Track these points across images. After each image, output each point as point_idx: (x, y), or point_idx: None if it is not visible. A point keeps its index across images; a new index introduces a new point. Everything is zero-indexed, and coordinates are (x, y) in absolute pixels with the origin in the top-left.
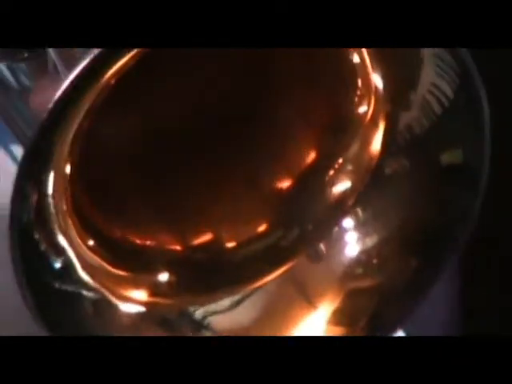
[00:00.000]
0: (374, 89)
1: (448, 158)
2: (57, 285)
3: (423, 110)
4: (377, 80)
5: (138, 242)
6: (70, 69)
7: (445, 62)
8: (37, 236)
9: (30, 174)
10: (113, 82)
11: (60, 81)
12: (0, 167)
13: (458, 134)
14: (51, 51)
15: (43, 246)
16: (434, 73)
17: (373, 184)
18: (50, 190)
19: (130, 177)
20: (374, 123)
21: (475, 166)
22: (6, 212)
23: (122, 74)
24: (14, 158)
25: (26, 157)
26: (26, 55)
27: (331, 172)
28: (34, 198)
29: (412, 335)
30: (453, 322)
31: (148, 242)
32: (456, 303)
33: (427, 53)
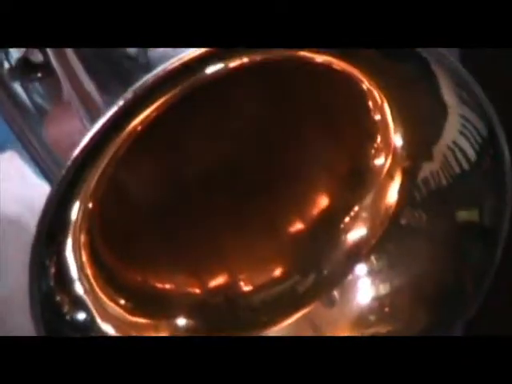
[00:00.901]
0: (392, 146)
1: (465, 215)
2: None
3: (442, 166)
4: (397, 139)
5: (158, 287)
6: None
7: (471, 123)
8: (58, 299)
9: (47, 239)
10: (139, 130)
11: (73, 112)
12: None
13: (476, 195)
14: (63, 82)
15: (65, 308)
16: (457, 132)
17: (388, 234)
18: (69, 244)
19: (149, 223)
20: (390, 176)
21: (492, 227)
22: (18, 218)
23: (148, 123)
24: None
25: (42, 220)
26: (39, 75)
27: (347, 219)
28: (52, 264)
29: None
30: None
31: (167, 287)
32: None
33: (452, 111)
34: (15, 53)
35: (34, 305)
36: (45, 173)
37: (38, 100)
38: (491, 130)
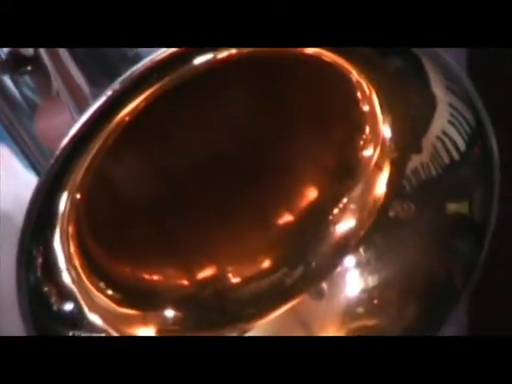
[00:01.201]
0: (381, 137)
1: (454, 207)
2: (66, 331)
3: (431, 157)
4: (385, 130)
5: (146, 278)
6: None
7: (459, 112)
8: (45, 289)
9: (35, 230)
10: (127, 120)
11: (62, 105)
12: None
13: (466, 186)
14: (53, 76)
15: (52, 299)
16: (446, 121)
17: (377, 225)
18: (57, 235)
19: (137, 214)
20: (379, 167)
21: (481, 219)
22: (8, 214)
23: (136, 114)
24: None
25: (30, 212)
26: (28, 68)
27: (335, 211)
28: (40, 255)
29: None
30: (457, 321)
31: (155, 278)
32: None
33: (441, 102)
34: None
35: (21, 296)
36: (34, 167)
37: (28, 93)
38: (479, 121)
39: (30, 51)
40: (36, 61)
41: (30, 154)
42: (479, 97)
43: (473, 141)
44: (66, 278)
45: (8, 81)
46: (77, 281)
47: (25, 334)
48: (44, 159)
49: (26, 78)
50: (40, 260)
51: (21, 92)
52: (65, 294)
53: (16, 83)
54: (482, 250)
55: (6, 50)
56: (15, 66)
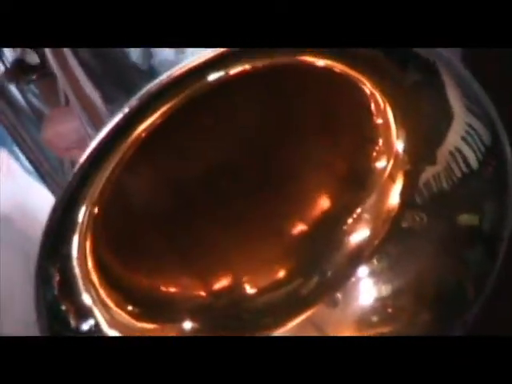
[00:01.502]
0: (394, 149)
1: (465, 219)
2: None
3: (445, 170)
4: (398, 143)
5: (164, 291)
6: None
7: (475, 131)
8: (63, 308)
9: (52, 249)
10: (143, 136)
11: (71, 114)
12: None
13: (478, 200)
14: (60, 83)
15: (71, 317)
16: (460, 137)
17: (390, 236)
18: (74, 253)
19: (153, 227)
20: (392, 179)
21: (493, 233)
22: (8, 217)
23: (151, 131)
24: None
25: (48, 229)
26: (33, 76)
27: (349, 221)
28: (57, 272)
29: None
30: None
31: (173, 291)
32: None
33: (458, 117)
34: (10, 53)
35: (40, 316)
36: (38, 172)
37: (34, 100)
38: (496, 140)
39: (34, 59)
40: (41, 69)
41: (34, 160)
42: (497, 113)
43: (487, 157)
44: (85, 295)
45: (14, 88)
46: (95, 297)
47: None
48: (49, 165)
49: (32, 86)
50: (57, 278)
51: (26, 99)
52: (83, 312)
53: (22, 91)
54: (495, 262)
55: (11, 58)
56: (21, 74)
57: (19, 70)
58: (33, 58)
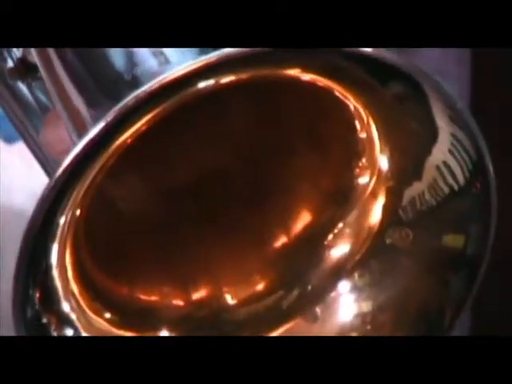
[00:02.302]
0: (378, 165)
1: (450, 240)
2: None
3: (430, 187)
4: (382, 159)
5: (144, 299)
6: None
7: (460, 143)
8: (44, 321)
9: (32, 262)
10: (128, 142)
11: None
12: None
13: (463, 219)
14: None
15: (52, 327)
16: (446, 151)
17: (372, 251)
18: (54, 263)
19: (136, 235)
20: (374, 195)
21: (475, 255)
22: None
23: (137, 138)
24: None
25: (27, 237)
26: (39, 74)
27: (331, 236)
28: (37, 286)
29: None
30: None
31: (152, 299)
32: None
33: (443, 131)
34: (17, 52)
35: (18, 328)
36: (45, 168)
37: (41, 96)
38: (480, 155)
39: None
40: None
41: (41, 156)
42: (478, 128)
43: (473, 174)
44: (65, 306)
45: (21, 84)
46: (75, 307)
47: None
48: (55, 162)
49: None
50: (37, 294)
51: (33, 95)
52: (64, 322)
53: (29, 86)
54: (471, 290)
55: (15, 56)
56: (25, 72)
57: (23, 69)
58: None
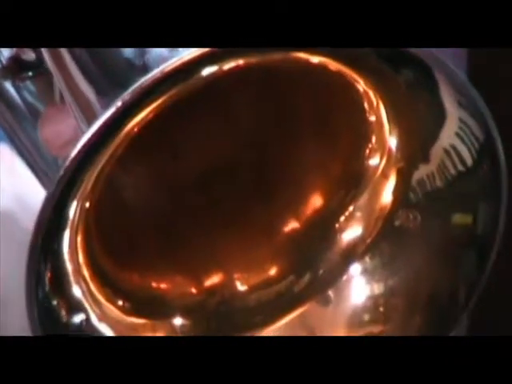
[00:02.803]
0: (387, 147)
1: (459, 219)
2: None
3: (438, 168)
4: (392, 140)
5: (155, 287)
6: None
7: (468, 126)
8: (54, 303)
9: (43, 246)
10: (135, 131)
11: (67, 112)
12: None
13: (472, 200)
14: (55, 80)
15: (62, 311)
16: (454, 134)
17: (383, 234)
18: (65, 248)
19: (145, 223)
20: (384, 176)
21: (486, 236)
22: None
23: (145, 125)
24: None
25: (38, 224)
26: (29, 74)
27: (342, 219)
28: (49, 269)
29: None
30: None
31: (164, 286)
32: None
33: (451, 114)
34: (6, 51)
35: (31, 311)
36: (34, 170)
37: (29, 98)
38: (489, 137)
39: (31, 56)
40: (37, 66)
41: (29, 158)
42: (489, 112)
43: (481, 156)
44: (76, 290)
45: (9, 86)
46: (86, 292)
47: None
48: (44, 163)
49: (28, 83)
50: (49, 274)
51: (22, 97)
52: (74, 306)
53: (17, 88)
54: (485, 269)
55: (6, 55)
56: (16, 71)
57: (15, 67)
58: (29, 55)
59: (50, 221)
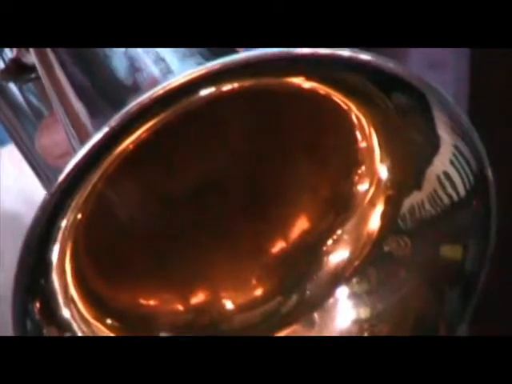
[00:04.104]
0: (377, 174)
1: (448, 251)
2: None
3: (429, 197)
4: (382, 168)
5: (143, 304)
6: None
7: (463, 155)
8: (45, 331)
9: (33, 265)
10: (129, 149)
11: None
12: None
13: (461, 232)
14: (51, 98)
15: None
16: (448, 162)
17: (370, 259)
18: (53, 265)
19: (136, 241)
20: (372, 204)
21: (472, 271)
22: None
23: (138, 144)
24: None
25: (26, 249)
26: (32, 76)
27: (329, 242)
28: (37, 300)
29: None
30: None
31: (152, 304)
32: None
33: (444, 142)
34: (10, 53)
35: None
36: (36, 171)
37: (32, 99)
38: (482, 170)
39: (32, 59)
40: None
41: (32, 160)
42: (482, 144)
43: (475, 189)
44: (66, 312)
45: (12, 87)
46: (75, 314)
47: None
48: (46, 166)
49: (32, 85)
50: (37, 303)
51: (25, 98)
52: (63, 329)
53: (20, 89)
54: (468, 303)
55: (8, 57)
56: (18, 73)
57: (16, 69)
58: (29, 58)
59: (38, 242)
